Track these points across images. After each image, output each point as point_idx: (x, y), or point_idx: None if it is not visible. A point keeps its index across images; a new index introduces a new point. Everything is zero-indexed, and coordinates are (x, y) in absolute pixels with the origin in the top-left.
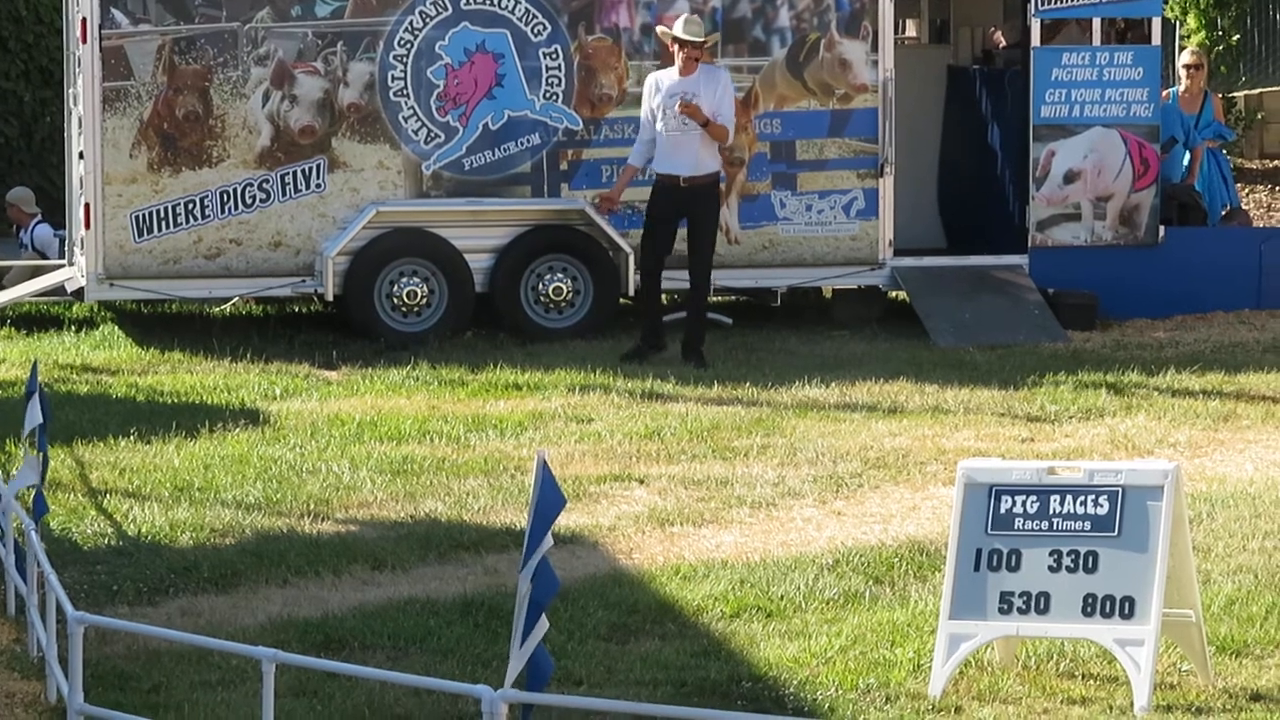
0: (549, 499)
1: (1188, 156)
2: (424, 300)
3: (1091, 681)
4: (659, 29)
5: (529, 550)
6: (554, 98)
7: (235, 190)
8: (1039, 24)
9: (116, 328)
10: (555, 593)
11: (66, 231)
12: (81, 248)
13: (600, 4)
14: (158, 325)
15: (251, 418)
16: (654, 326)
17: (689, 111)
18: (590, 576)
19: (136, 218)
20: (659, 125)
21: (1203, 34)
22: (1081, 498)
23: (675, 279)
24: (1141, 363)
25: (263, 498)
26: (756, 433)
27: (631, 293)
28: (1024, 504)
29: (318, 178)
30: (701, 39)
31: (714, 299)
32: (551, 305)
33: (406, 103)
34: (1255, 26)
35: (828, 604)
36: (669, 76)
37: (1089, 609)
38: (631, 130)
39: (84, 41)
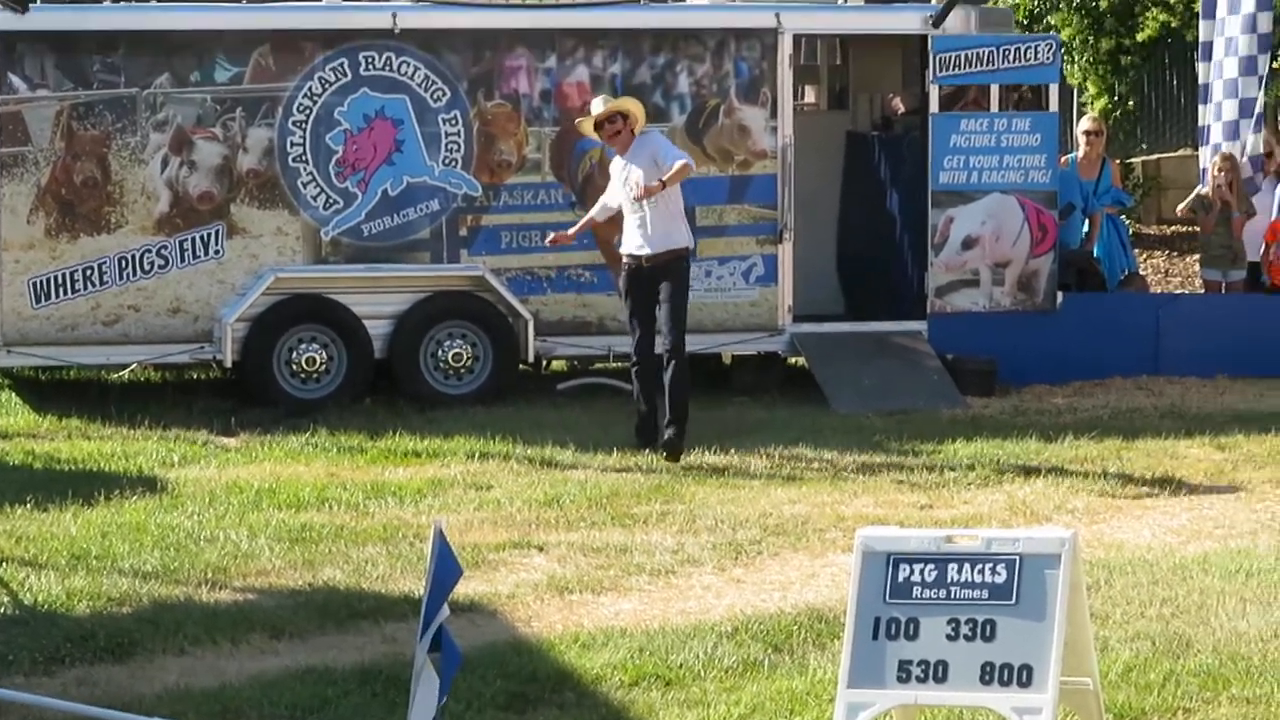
0: (446, 569)
1: (1086, 223)
2: (323, 367)
3: None
4: (577, 123)
5: (426, 620)
6: (453, 164)
7: (134, 256)
8: (937, 90)
9: (13, 394)
10: (458, 665)
11: None
12: None
13: (500, 70)
14: (55, 392)
15: (149, 485)
16: (653, 420)
17: (646, 195)
18: (489, 645)
19: (34, 284)
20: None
21: (1104, 100)
22: (979, 566)
23: (580, 345)
24: (1040, 428)
25: (160, 566)
26: (655, 500)
27: (531, 359)
28: (922, 572)
29: (216, 244)
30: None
31: (613, 365)
32: (451, 371)
33: (305, 168)
34: (1153, 93)
35: (727, 672)
36: (619, 157)
37: (987, 677)
38: (530, 196)
39: None
